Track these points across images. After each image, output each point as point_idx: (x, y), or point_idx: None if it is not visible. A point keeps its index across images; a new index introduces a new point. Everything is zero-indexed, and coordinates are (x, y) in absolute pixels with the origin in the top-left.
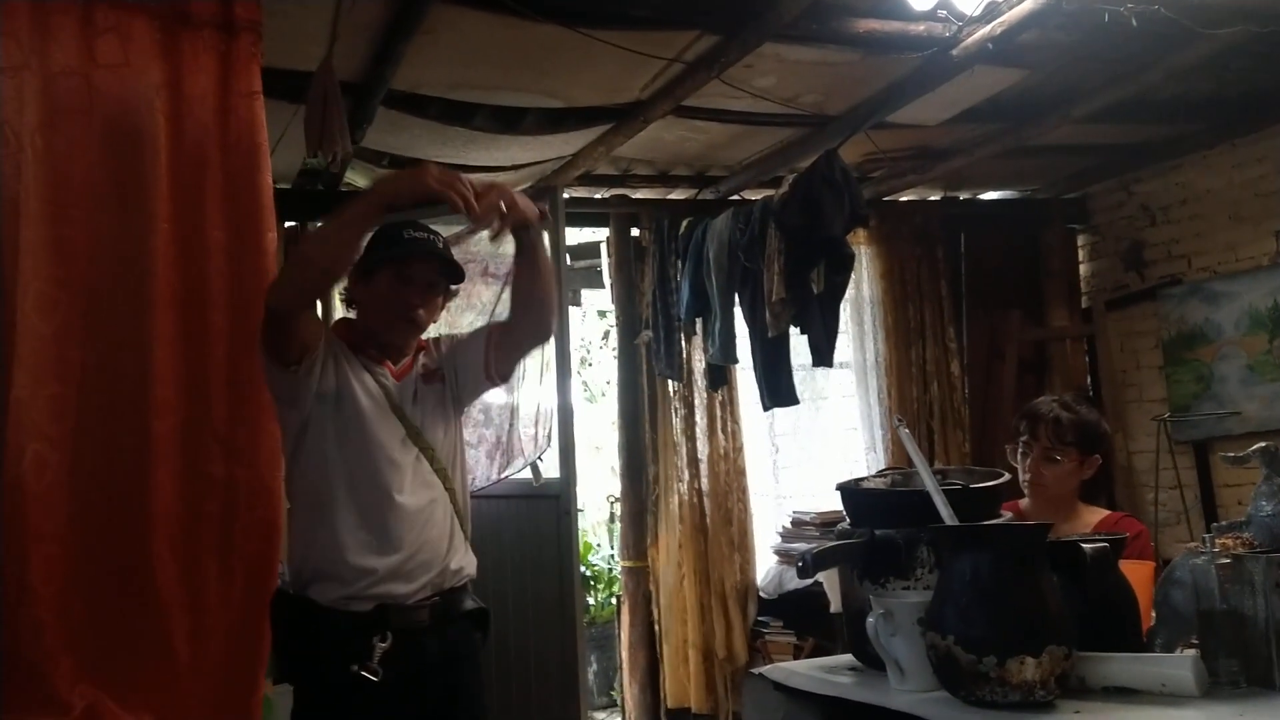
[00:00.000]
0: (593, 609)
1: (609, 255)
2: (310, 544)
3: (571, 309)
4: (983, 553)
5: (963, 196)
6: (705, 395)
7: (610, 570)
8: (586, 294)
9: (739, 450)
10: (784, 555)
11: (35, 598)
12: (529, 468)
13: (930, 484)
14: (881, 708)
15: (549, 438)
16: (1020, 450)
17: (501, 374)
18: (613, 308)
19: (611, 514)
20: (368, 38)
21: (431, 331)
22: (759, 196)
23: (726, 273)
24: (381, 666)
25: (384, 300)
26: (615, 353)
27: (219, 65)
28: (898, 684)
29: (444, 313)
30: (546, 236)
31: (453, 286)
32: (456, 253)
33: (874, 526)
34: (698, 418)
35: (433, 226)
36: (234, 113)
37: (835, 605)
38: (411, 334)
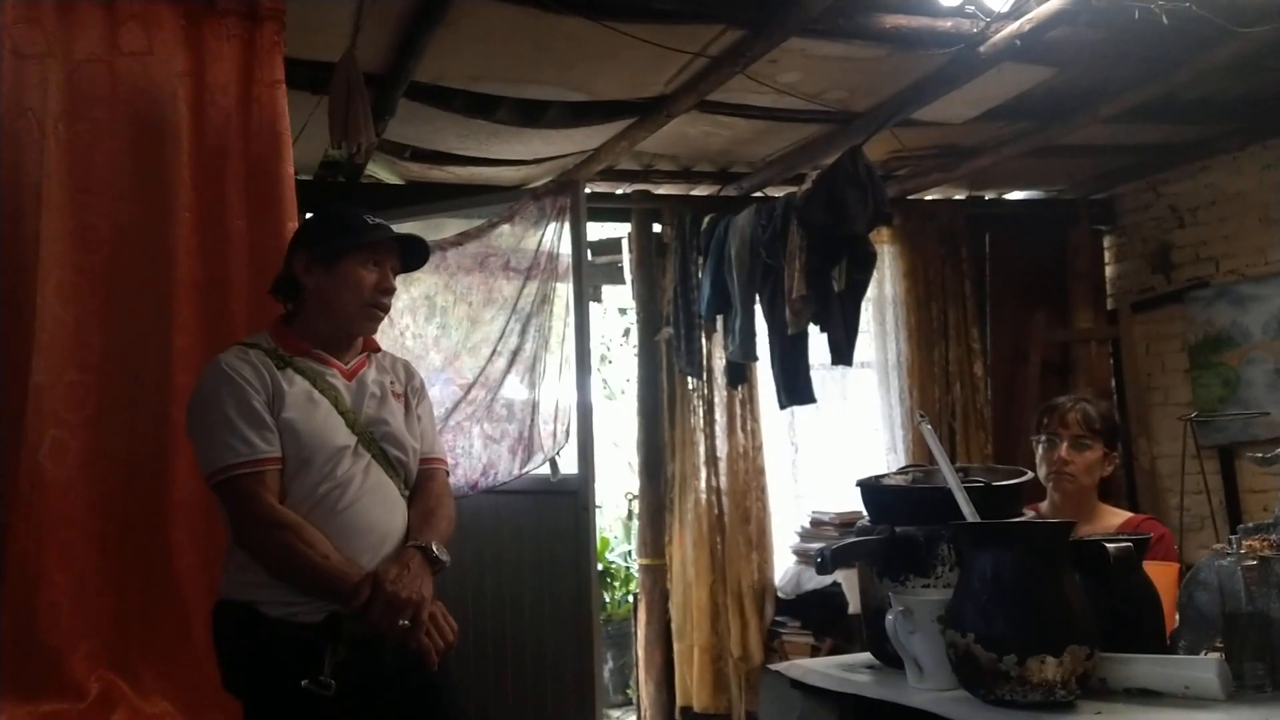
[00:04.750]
0: (609, 606)
1: (630, 251)
2: None
3: (592, 305)
4: (1005, 550)
5: (988, 196)
6: (725, 393)
7: (627, 568)
8: (607, 290)
9: (758, 449)
10: (802, 555)
11: (52, 583)
12: (548, 463)
13: (952, 480)
14: (900, 706)
15: (568, 433)
16: (1046, 441)
17: None
18: (633, 304)
19: (629, 511)
20: (390, 29)
21: (451, 331)
22: (782, 193)
23: (748, 270)
24: (335, 678)
25: (353, 288)
26: (635, 350)
27: (242, 53)
28: (916, 682)
29: (465, 306)
30: (568, 230)
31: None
32: (477, 245)
33: (894, 524)
34: (717, 415)
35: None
36: (256, 101)
37: (854, 606)
38: (378, 322)
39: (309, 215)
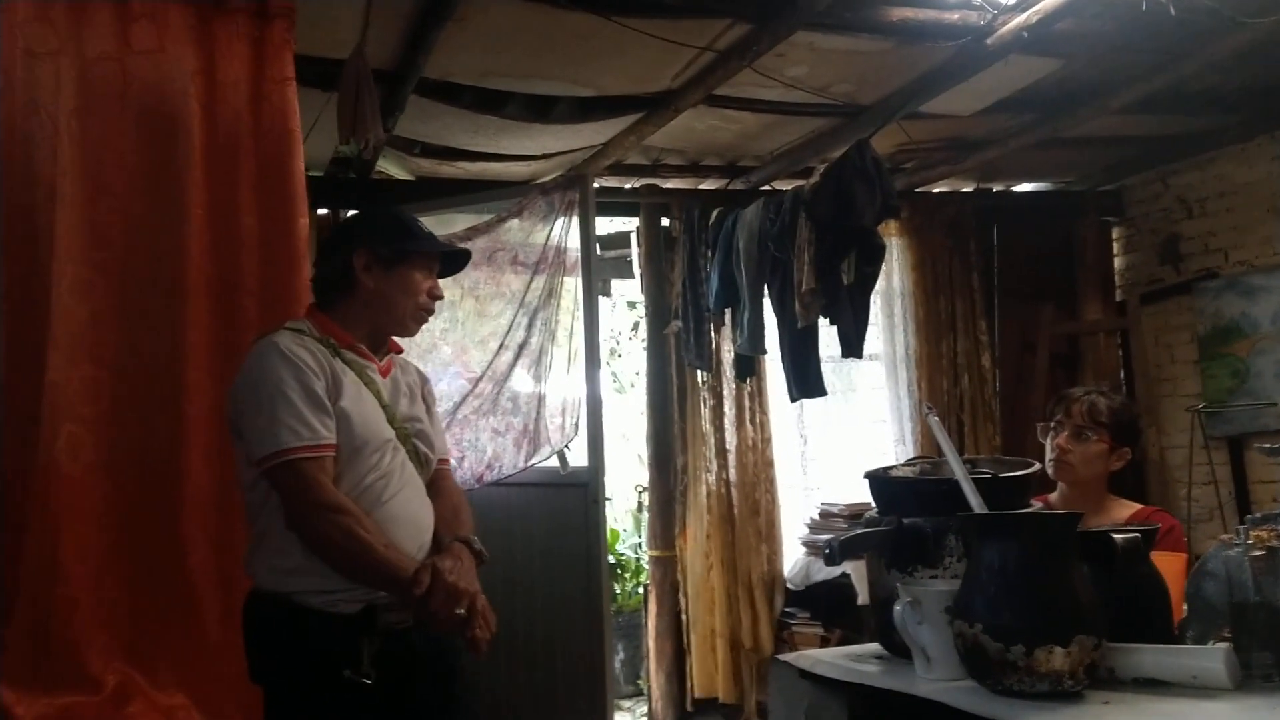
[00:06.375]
0: (619, 598)
1: (639, 245)
2: (294, 539)
3: (601, 299)
4: (1012, 541)
5: (996, 188)
6: (734, 386)
7: (637, 559)
8: (616, 284)
9: (767, 441)
10: (811, 546)
11: (68, 576)
12: (555, 456)
13: (960, 472)
14: (908, 696)
15: (576, 427)
16: (1051, 429)
17: None
18: (642, 298)
19: (639, 503)
20: (399, 25)
21: (459, 325)
22: (790, 187)
23: (756, 263)
24: (372, 669)
25: (411, 292)
26: (645, 343)
27: (252, 51)
28: (924, 672)
29: (473, 300)
30: (577, 225)
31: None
32: (486, 240)
33: (902, 515)
34: (726, 408)
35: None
36: (267, 99)
37: (863, 597)
38: (421, 325)
39: (362, 213)
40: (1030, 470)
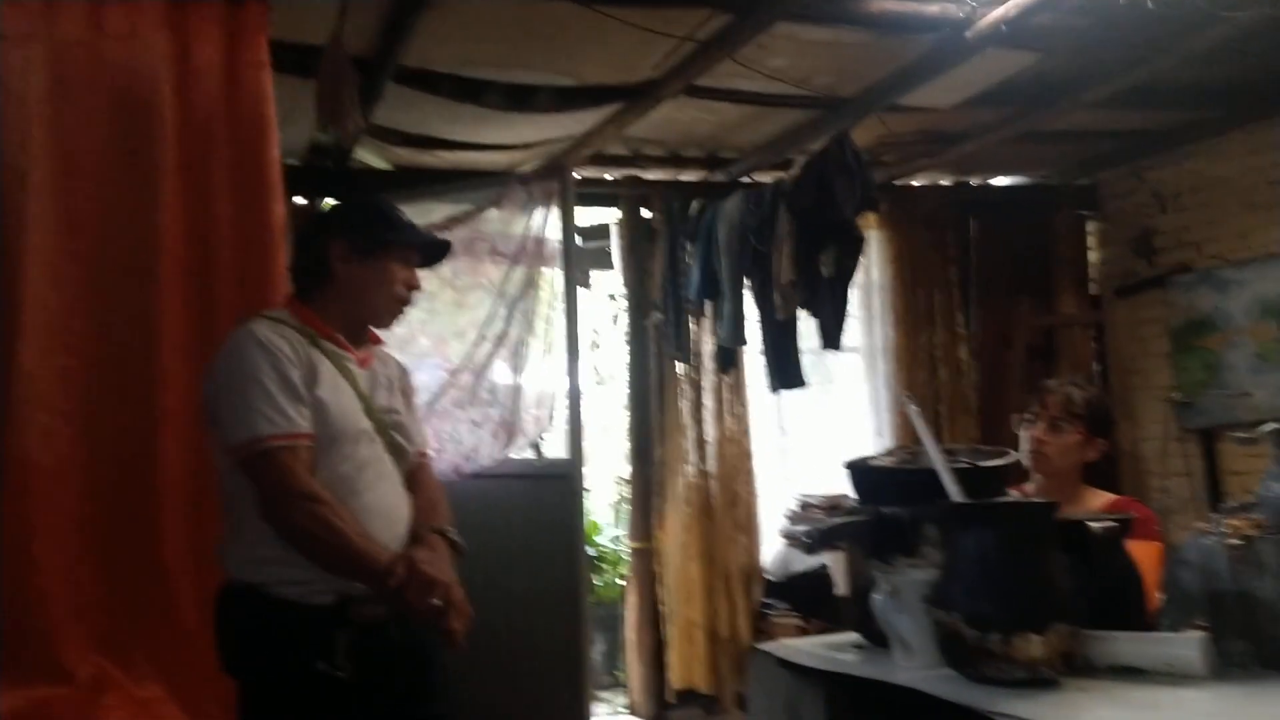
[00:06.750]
0: (599, 589)
1: (619, 237)
2: (268, 529)
3: (580, 291)
4: (990, 530)
5: (974, 182)
6: (714, 378)
7: (617, 551)
8: (596, 276)
9: (746, 433)
10: (790, 537)
11: (41, 568)
12: (531, 447)
13: (938, 461)
14: (886, 684)
15: (551, 418)
16: (1027, 421)
17: None
18: (622, 290)
19: (619, 495)
20: (378, 12)
21: (438, 315)
22: (770, 179)
23: (736, 255)
24: (347, 662)
25: (387, 283)
26: (625, 335)
27: (226, 36)
28: (903, 661)
29: (451, 291)
30: (556, 216)
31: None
32: (464, 230)
33: (881, 504)
34: (706, 400)
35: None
36: (241, 84)
37: (841, 588)
38: (399, 317)
39: (340, 202)
40: (1007, 460)
